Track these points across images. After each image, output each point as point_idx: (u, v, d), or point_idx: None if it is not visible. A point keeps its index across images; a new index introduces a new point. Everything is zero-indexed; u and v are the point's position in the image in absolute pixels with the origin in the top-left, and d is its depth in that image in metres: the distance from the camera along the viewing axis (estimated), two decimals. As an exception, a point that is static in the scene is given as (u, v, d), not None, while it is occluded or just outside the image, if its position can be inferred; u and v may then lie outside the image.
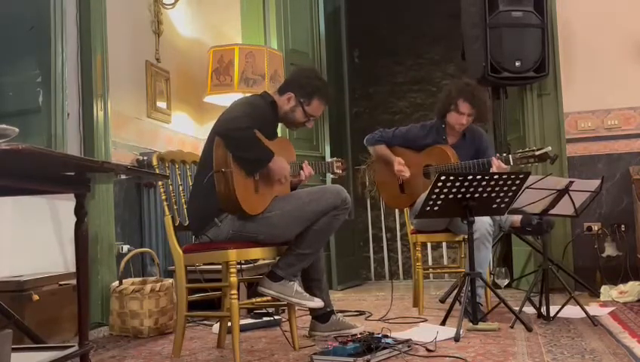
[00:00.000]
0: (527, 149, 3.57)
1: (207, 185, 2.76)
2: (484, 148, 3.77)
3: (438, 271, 5.50)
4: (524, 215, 3.51)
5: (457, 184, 3.00)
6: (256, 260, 3.93)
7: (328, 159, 3.72)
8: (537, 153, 3.47)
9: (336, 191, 2.87)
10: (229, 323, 2.82)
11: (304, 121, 3.04)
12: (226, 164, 2.68)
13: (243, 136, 2.69)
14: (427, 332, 2.95)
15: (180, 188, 3.08)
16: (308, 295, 2.90)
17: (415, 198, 3.73)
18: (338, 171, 3.19)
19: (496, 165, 3.52)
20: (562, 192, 3.21)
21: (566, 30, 4.69)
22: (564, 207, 3.28)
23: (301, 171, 3.06)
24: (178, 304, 2.84)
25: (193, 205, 2.91)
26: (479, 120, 3.81)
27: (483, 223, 3.37)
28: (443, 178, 2.98)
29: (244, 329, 3.25)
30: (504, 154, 3.58)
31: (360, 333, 2.81)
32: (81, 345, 2.11)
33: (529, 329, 3.03)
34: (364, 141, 3.98)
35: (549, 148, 3.53)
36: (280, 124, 3.16)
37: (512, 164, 3.54)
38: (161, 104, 4.36)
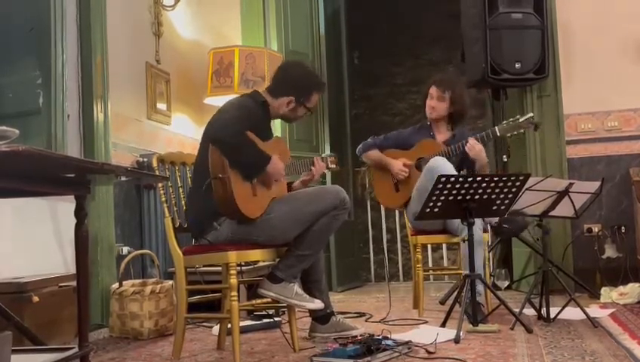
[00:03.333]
0: (510, 119, 3.68)
1: (204, 190, 2.75)
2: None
3: (438, 272, 5.49)
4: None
5: (457, 186, 3.00)
6: (256, 262, 3.93)
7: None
8: (521, 119, 3.62)
9: (335, 192, 2.87)
10: (229, 325, 2.81)
11: (304, 114, 3.09)
12: (223, 170, 2.67)
13: (236, 142, 2.68)
14: (427, 333, 2.95)
15: (180, 190, 3.08)
16: (308, 296, 2.89)
17: (410, 194, 3.75)
18: (332, 166, 3.23)
19: (471, 143, 3.63)
20: (562, 194, 3.21)
21: (566, 31, 4.69)
22: (565, 209, 3.28)
23: (312, 168, 3.07)
24: (178, 305, 2.84)
25: (191, 210, 2.90)
26: (458, 117, 3.88)
27: (474, 225, 3.39)
28: (443, 179, 2.98)
29: (244, 330, 3.24)
30: (489, 130, 3.70)
31: (360, 335, 2.82)
32: (81, 347, 2.11)
33: (529, 331, 3.03)
34: (357, 151, 4.06)
35: (531, 113, 3.72)
36: (279, 121, 3.19)
37: (498, 134, 3.67)
38: (161, 105, 4.36)
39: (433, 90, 3.84)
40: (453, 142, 3.79)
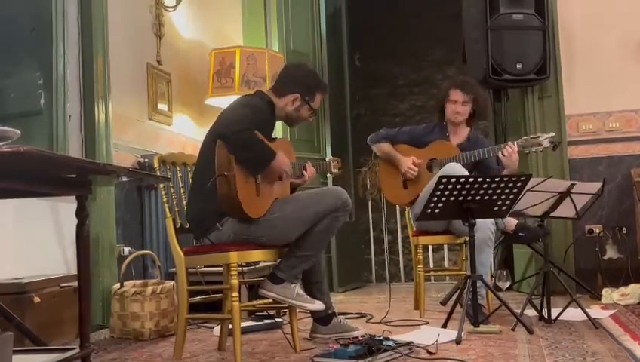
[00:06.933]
0: (530, 136, 3.64)
1: (207, 188, 2.75)
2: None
3: (440, 273, 5.49)
4: (519, 221, 3.54)
5: (458, 186, 3.00)
6: (257, 262, 3.93)
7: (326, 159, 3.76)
8: (541, 138, 3.56)
9: (336, 193, 2.88)
10: (230, 326, 2.82)
11: (308, 116, 3.08)
12: (229, 167, 2.68)
13: (246, 138, 2.69)
14: (428, 334, 2.95)
15: (182, 191, 3.08)
16: (309, 297, 2.90)
17: (418, 193, 3.74)
18: (335, 170, 3.25)
19: (509, 150, 3.56)
20: (564, 195, 3.21)
21: (567, 32, 4.68)
22: (566, 210, 3.28)
23: (304, 172, 3.08)
24: (179, 306, 2.84)
25: (194, 209, 2.90)
26: (481, 115, 3.85)
27: (485, 225, 3.38)
28: (444, 180, 2.98)
29: (245, 331, 3.24)
30: (510, 142, 3.63)
31: (361, 336, 2.82)
32: (82, 348, 2.11)
33: (530, 332, 3.03)
34: (368, 140, 4.00)
35: (552, 134, 3.63)
36: (280, 123, 3.19)
37: (517, 149, 3.60)
38: (163, 106, 4.36)
39: (457, 95, 3.77)
40: (467, 147, 3.77)
